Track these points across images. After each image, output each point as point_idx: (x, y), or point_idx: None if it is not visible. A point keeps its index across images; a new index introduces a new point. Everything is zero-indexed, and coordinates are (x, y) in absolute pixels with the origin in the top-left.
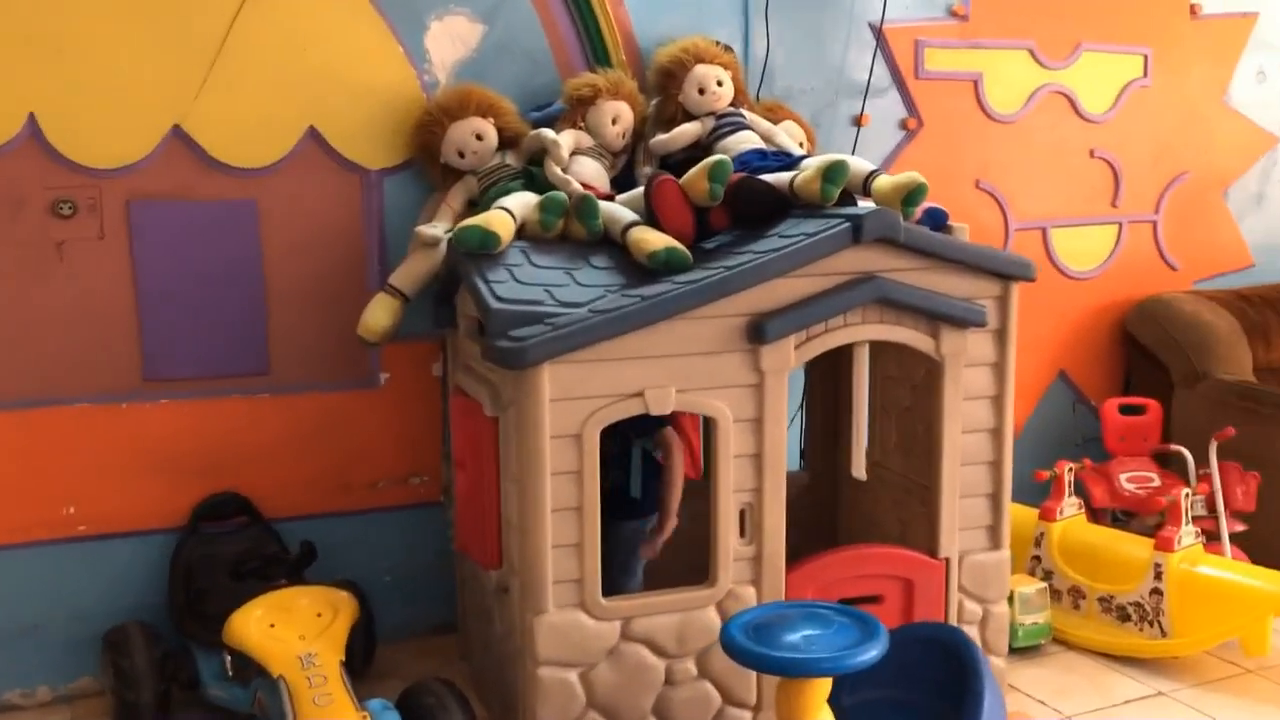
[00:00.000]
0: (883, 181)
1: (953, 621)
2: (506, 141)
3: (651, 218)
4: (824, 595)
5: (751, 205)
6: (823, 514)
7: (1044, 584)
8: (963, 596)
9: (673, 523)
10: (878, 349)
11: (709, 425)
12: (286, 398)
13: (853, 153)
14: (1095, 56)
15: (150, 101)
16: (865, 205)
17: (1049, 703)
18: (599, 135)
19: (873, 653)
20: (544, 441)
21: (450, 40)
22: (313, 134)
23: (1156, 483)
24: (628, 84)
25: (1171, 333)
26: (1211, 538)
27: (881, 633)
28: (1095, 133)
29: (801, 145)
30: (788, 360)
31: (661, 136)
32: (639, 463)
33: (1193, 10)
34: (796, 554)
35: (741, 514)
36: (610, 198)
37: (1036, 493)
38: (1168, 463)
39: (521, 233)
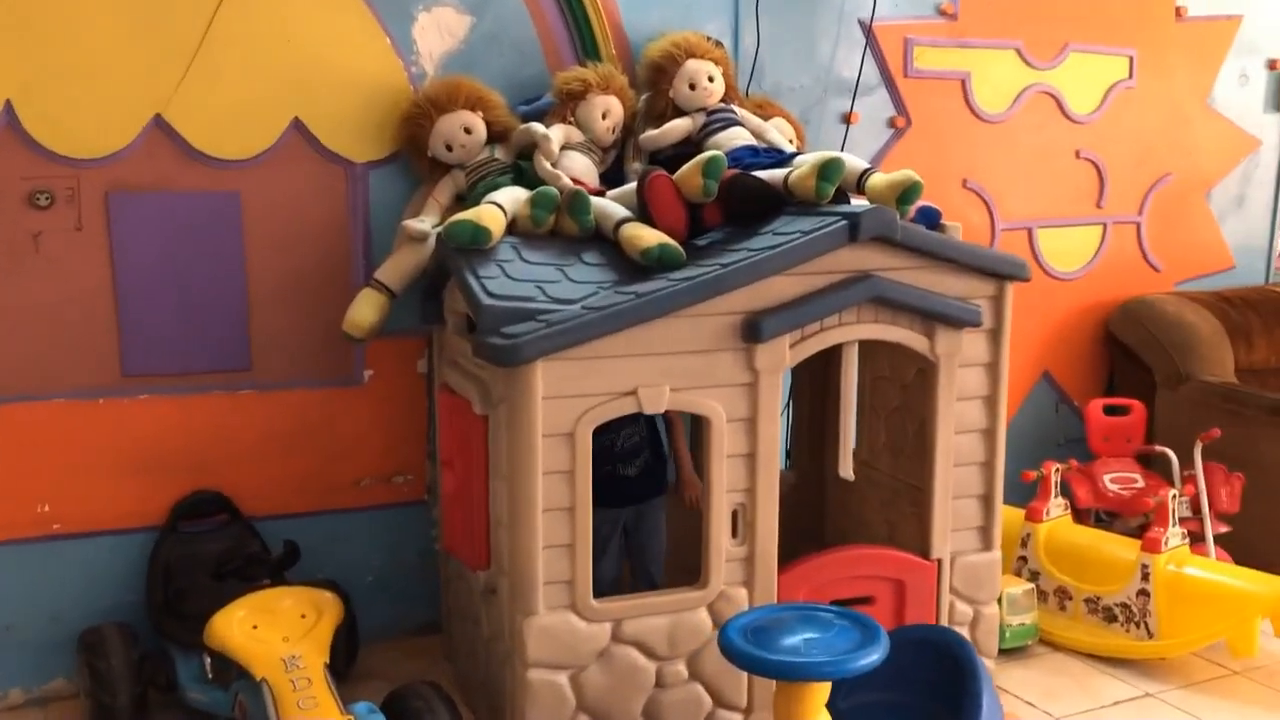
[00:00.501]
0: (877, 179)
1: (943, 623)
2: (495, 135)
3: (644, 214)
4: (816, 596)
5: (746, 202)
6: (809, 515)
7: (1031, 585)
8: (954, 598)
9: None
10: (867, 348)
11: (701, 425)
12: (269, 394)
13: (841, 150)
14: (1082, 57)
15: (131, 90)
16: (859, 203)
17: (1037, 704)
18: (589, 130)
19: (874, 656)
20: (536, 440)
21: (438, 31)
22: (297, 125)
23: (1140, 484)
24: (618, 78)
25: (1155, 333)
26: (1196, 539)
27: (882, 636)
28: (1081, 133)
29: (791, 142)
30: (782, 359)
31: (652, 132)
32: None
33: (1178, 13)
34: (783, 555)
35: (734, 514)
36: (600, 193)
37: (1021, 493)
38: (1151, 464)
39: (512, 228)
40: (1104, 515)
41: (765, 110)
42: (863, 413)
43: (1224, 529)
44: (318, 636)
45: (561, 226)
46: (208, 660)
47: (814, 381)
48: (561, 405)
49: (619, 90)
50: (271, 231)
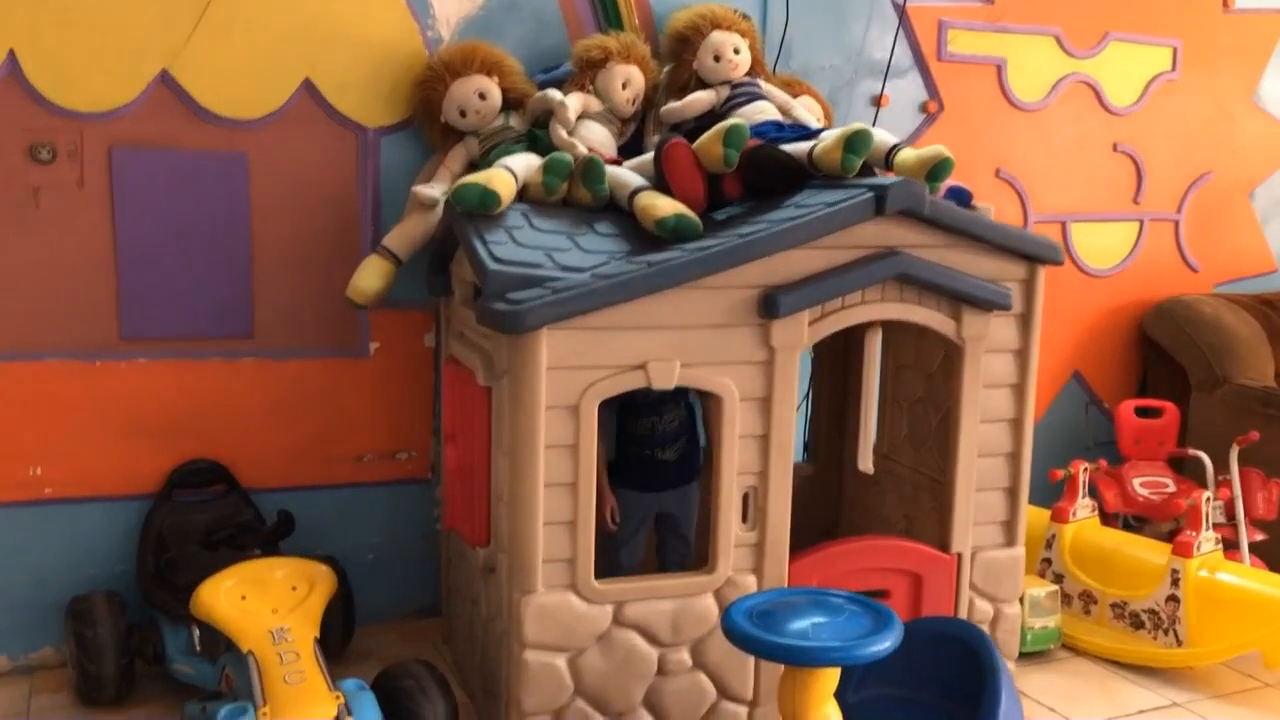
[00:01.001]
0: (906, 155)
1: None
2: (511, 103)
3: (661, 183)
4: (828, 587)
5: (767, 174)
6: (825, 507)
7: (1054, 587)
8: (974, 594)
9: None
10: (891, 336)
11: (712, 403)
12: (270, 363)
13: None
14: (1123, 47)
15: (138, 44)
16: (886, 178)
17: (1058, 709)
18: (608, 99)
19: (886, 643)
20: (539, 412)
21: None
22: (308, 87)
23: (1171, 488)
24: (640, 48)
25: (1191, 334)
26: (1230, 546)
27: (895, 623)
28: (1119, 126)
29: (819, 121)
30: (801, 337)
31: (673, 104)
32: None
33: (1225, 3)
34: (794, 547)
35: (745, 498)
36: (617, 163)
37: (1046, 496)
38: (1183, 468)
39: (523, 195)
40: (1133, 521)
41: (793, 89)
42: (884, 404)
43: (1260, 536)
44: (309, 610)
45: (574, 195)
46: (196, 632)
47: (834, 372)
48: (567, 376)
49: (640, 60)
50: (279, 195)
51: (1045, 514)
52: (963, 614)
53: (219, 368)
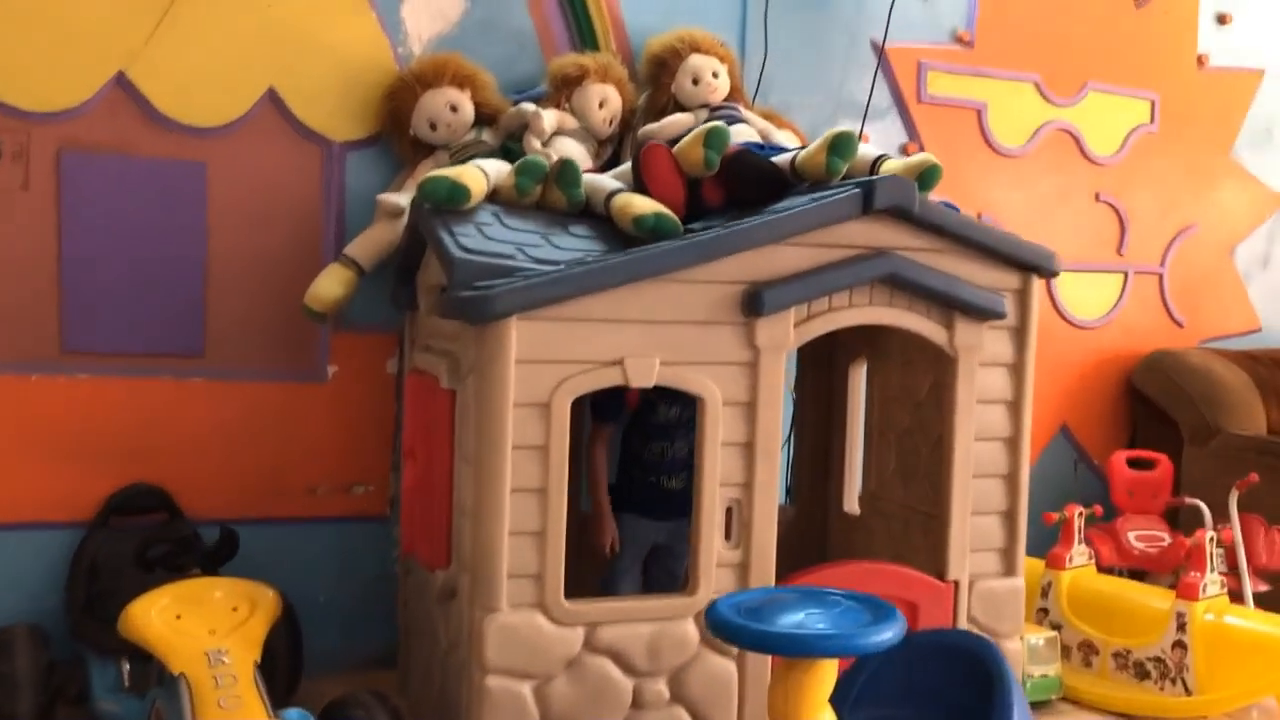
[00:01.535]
0: (893, 163)
1: None
2: (484, 118)
3: (639, 186)
4: None
5: (748, 180)
6: (808, 551)
7: (1054, 633)
8: (972, 627)
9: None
10: (876, 367)
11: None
12: (221, 384)
13: None
14: (1102, 97)
15: (93, 43)
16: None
17: None
18: (585, 119)
19: (890, 633)
20: (507, 409)
21: (429, 13)
22: (272, 96)
23: (1167, 541)
24: (617, 69)
25: (1182, 385)
26: (1233, 597)
27: (897, 615)
28: (1101, 175)
29: None
30: (786, 337)
31: (651, 126)
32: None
33: (1200, 60)
34: (780, 578)
35: (728, 512)
36: (594, 172)
37: (1039, 545)
38: (1177, 522)
39: (494, 199)
40: (1128, 576)
41: (774, 123)
42: (871, 439)
43: (1264, 587)
44: (250, 632)
45: (548, 199)
46: (125, 667)
47: (818, 412)
48: (537, 371)
49: (618, 81)
50: (238, 208)
51: (1039, 563)
52: None
53: (166, 387)
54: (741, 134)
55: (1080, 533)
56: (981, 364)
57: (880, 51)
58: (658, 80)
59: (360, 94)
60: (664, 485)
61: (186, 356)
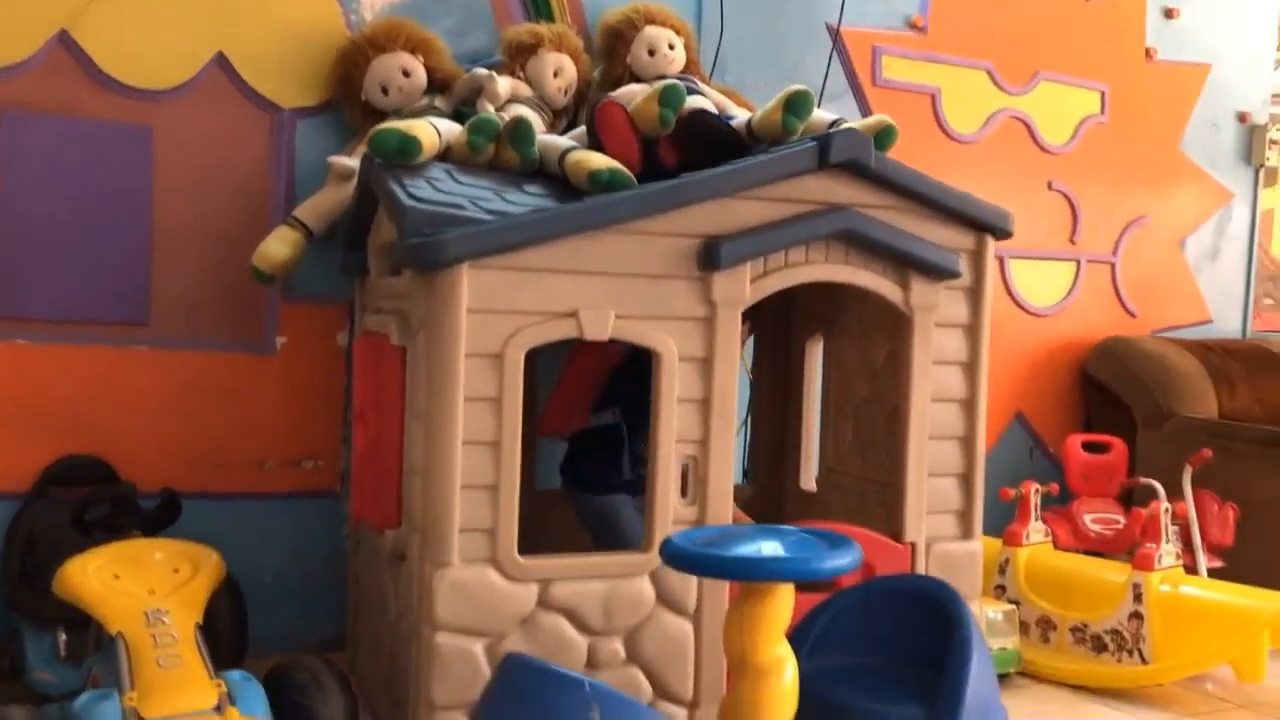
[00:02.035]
0: (850, 125)
1: None
2: (436, 84)
3: (594, 145)
4: None
5: (704, 141)
6: None
7: (1011, 606)
8: None
9: None
10: (833, 342)
11: (650, 362)
12: (166, 353)
13: None
14: (1053, 87)
15: None
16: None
17: None
18: (540, 87)
19: (846, 559)
20: (458, 360)
21: None
22: (220, 61)
23: (1123, 524)
24: (572, 39)
25: (1135, 371)
26: (1188, 573)
27: (852, 544)
28: (1053, 164)
29: None
30: (743, 293)
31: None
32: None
33: (1148, 53)
34: None
35: (684, 470)
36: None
37: (996, 525)
38: (1132, 503)
39: (446, 158)
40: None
41: (731, 99)
42: (829, 412)
43: (1217, 564)
44: (192, 593)
45: (502, 158)
46: (62, 637)
47: (775, 394)
48: (489, 321)
49: (573, 51)
50: (185, 174)
51: (996, 542)
52: None
53: (108, 355)
54: (699, 104)
55: (1036, 510)
56: (937, 325)
57: (835, 34)
58: (613, 52)
59: (311, 60)
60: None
61: (130, 324)
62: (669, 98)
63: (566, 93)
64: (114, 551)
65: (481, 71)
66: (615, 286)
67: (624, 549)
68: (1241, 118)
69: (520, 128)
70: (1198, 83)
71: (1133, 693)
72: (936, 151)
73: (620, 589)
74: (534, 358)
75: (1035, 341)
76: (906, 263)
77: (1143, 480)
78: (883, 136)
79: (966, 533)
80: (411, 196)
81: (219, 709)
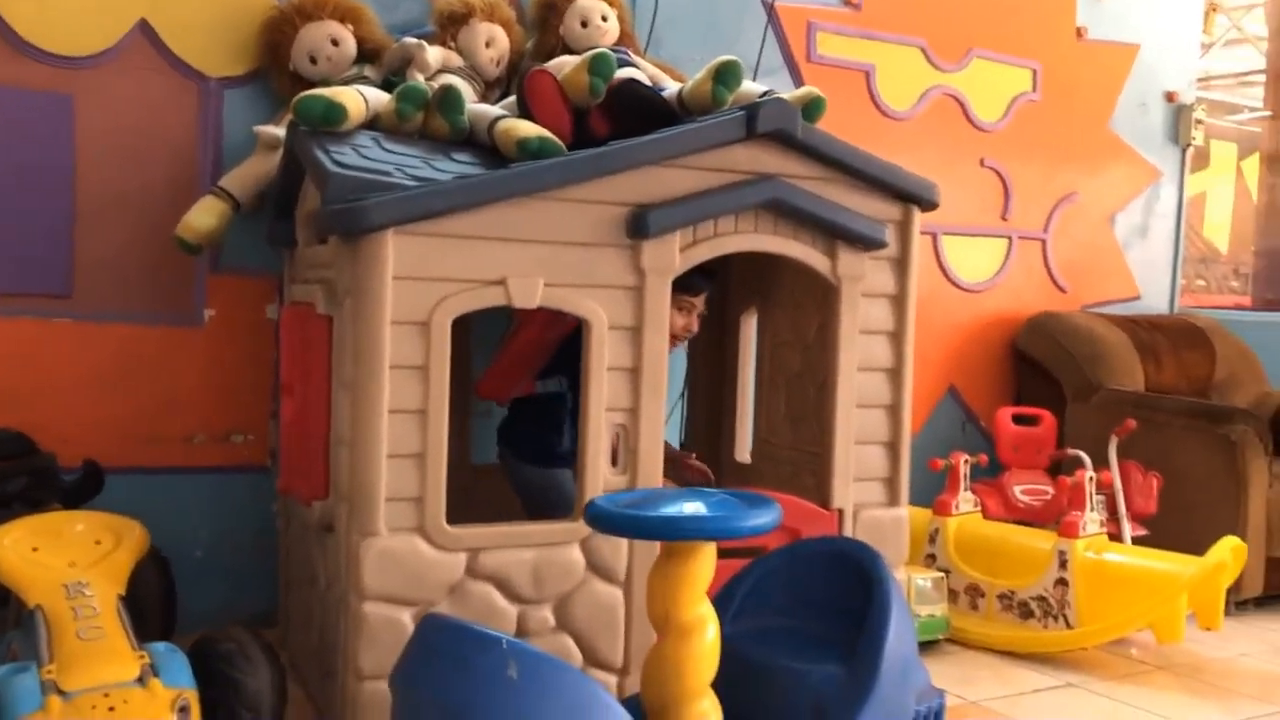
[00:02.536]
0: (777, 97)
1: None
2: (366, 54)
3: (525, 116)
4: None
5: (635, 110)
6: None
7: (940, 574)
8: None
9: None
10: (767, 315)
11: (579, 331)
12: (90, 326)
13: None
14: (986, 64)
15: None
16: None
17: (952, 690)
18: (471, 58)
19: (767, 518)
20: (383, 328)
21: None
22: (144, 28)
23: (1051, 495)
24: (504, 9)
25: (1065, 344)
26: (1113, 541)
27: (773, 504)
28: (986, 141)
29: None
30: (672, 261)
31: (539, 67)
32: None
33: (1079, 32)
34: None
35: (615, 438)
36: None
37: (925, 496)
38: (1060, 474)
39: (374, 127)
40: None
41: (667, 74)
42: (762, 385)
43: (1142, 532)
44: (114, 565)
45: (431, 127)
46: None
47: (710, 370)
48: (416, 288)
49: (505, 22)
50: (108, 144)
51: (927, 511)
52: None
53: (28, 327)
54: (632, 75)
55: (966, 480)
56: (864, 294)
57: (770, 9)
58: (546, 23)
59: (238, 28)
60: None
61: (51, 296)
62: (599, 66)
63: (499, 64)
64: (32, 524)
65: (411, 41)
66: (544, 254)
67: None
68: (1169, 97)
69: (449, 95)
70: (1127, 62)
71: (1058, 657)
72: (871, 128)
73: (550, 557)
74: (466, 325)
75: (968, 317)
76: (834, 233)
77: (1070, 451)
78: (811, 108)
79: (893, 499)
80: (336, 163)
81: (141, 680)
